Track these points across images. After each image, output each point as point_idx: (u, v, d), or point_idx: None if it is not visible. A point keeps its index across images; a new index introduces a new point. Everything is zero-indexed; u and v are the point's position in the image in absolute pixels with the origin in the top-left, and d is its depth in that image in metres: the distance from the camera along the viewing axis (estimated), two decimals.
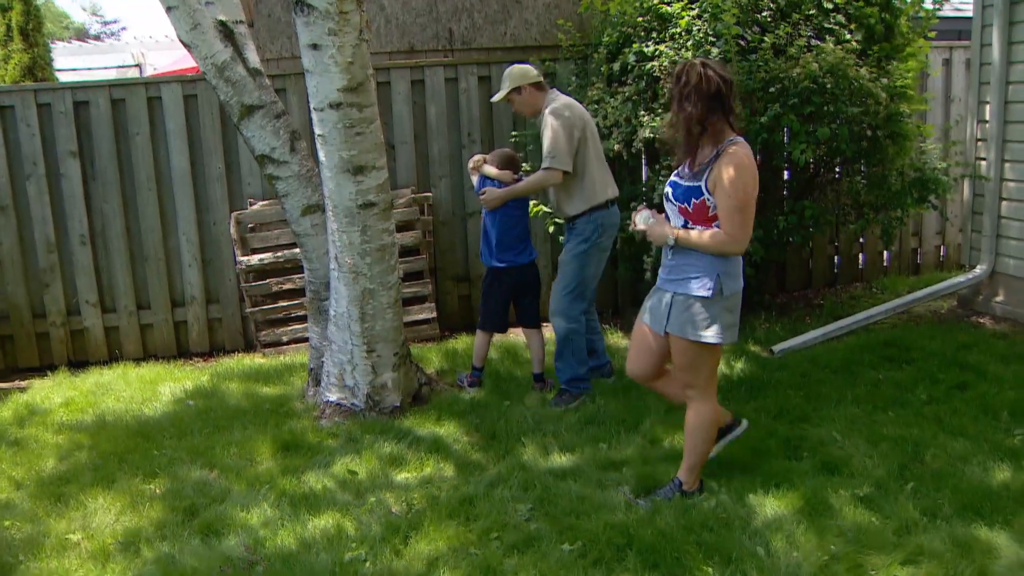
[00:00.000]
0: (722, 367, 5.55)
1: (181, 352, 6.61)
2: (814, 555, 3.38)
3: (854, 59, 5.60)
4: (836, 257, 7.64)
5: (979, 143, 6.31)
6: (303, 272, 6.33)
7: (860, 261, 7.73)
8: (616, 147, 5.91)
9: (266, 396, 5.35)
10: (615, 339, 6.29)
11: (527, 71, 5.04)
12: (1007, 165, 6.10)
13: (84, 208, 6.33)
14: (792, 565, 3.32)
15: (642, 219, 3.85)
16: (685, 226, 3.68)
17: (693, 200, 3.63)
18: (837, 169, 6.39)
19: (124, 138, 6.30)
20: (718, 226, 3.59)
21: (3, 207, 6.29)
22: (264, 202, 6.45)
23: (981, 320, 6.25)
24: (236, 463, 4.42)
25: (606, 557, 3.44)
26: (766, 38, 5.61)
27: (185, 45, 4.69)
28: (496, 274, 5.26)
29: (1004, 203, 6.15)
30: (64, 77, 11.76)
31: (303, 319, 6.42)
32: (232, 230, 6.35)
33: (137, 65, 12.31)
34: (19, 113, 6.20)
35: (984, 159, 6.23)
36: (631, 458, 4.31)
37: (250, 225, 6.42)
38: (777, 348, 5.80)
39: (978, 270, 6.29)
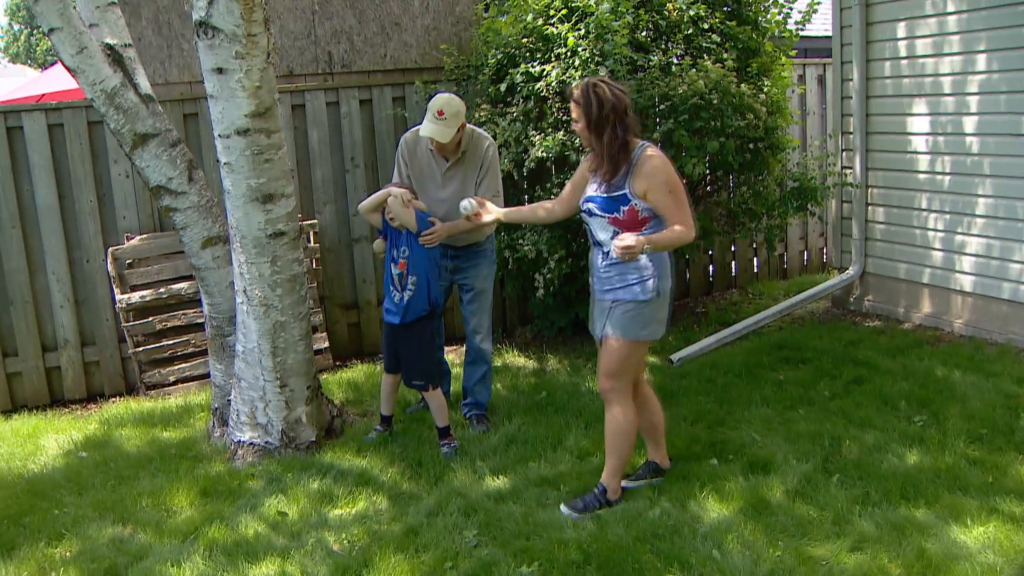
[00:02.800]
0: None
1: (55, 400, 6.11)
2: (766, 552, 3.49)
3: (734, 76, 5.87)
4: (711, 266, 7.95)
5: (844, 153, 6.73)
6: (189, 309, 6.08)
7: (733, 268, 8.08)
8: (507, 167, 5.94)
9: (168, 441, 5.02)
10: (510, 357, 6.29)
11: (464, 107, 4.67)
12: (871, 173, 6.54)
13: None
14: (749, 564, 3.41)
15: (466, 205, 4.31)
16: (616, 235, 3.77)
17: (622, 208, 3.79)
18: (710, 182, 6.66)
19: None
20: (651, 229, 3.77)
21: None
22: (142, 236, 6.08)
23: (856, 318, 6.65)
24: (152, 515, 4.11)
25: None
26: (652, 57, 5.80)
27: (70, 70, 4.37)
28: (433, 318, 4.78)
29: (870, 208, 6.59)
30: None
31: (190, 357, 6.10)
32: (109, 267, 5.95)
33: None
34: None
35: (850, 168, 6.66)
36: (565, 474, 4.31)
37: (128, 261, 6.04)
38: (676, 357, 5.95)
39: (851, 271, 6.70)
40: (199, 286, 4.94)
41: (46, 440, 5.21)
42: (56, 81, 10.28)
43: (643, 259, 3.80)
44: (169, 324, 6.06)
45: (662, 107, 5.67)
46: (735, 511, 3.84)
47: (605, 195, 3.81)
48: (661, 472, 4.22)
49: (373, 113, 6.54)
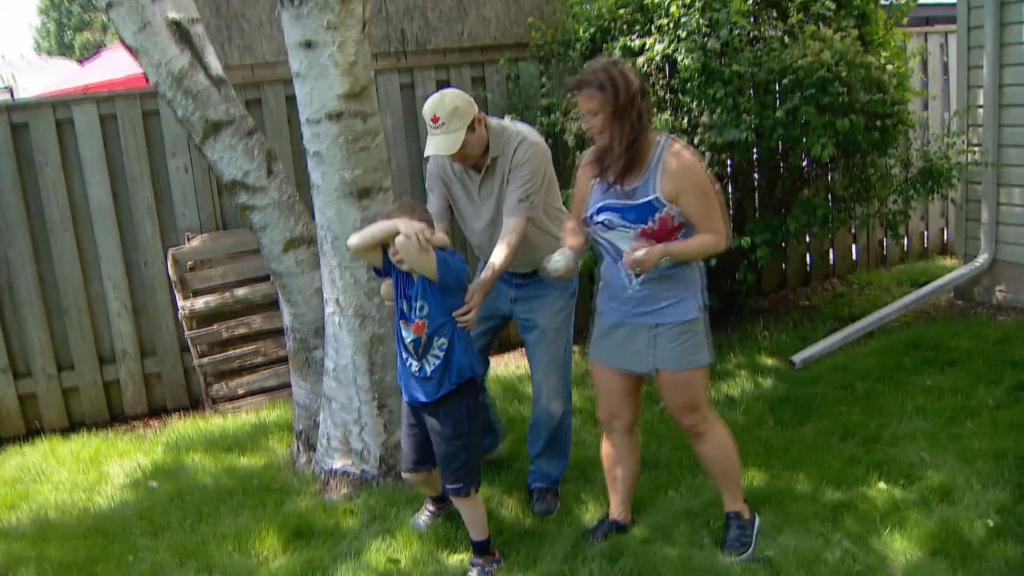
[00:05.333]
0: (751, 387, 5.06)
1: (115, 416, 5.58)
2: None
3: (859, 46, 5.24)
4: (808, 254, 7.32)
5: (971, 129, 6.06)
6: (256, 315, 5.54)
7: (831, 257, 7.44)
8: None
9: (247, 469, 4.45)
10: None
11: (467, 97, 3.45)
12: (1003, 150, 5.87)
13: None
14: None
15: (565, 259, 3.19)
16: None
17: (656, 215, 3.14)
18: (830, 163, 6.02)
19: (29, 170, 5.26)
20: (685, 235, 3.18)
21: None
22: (204, 235, 5.55)
23: (987, 312, 5.99)
24: (240, 563, 3.55)
25: None
26: (772, 28, 5.18)
27: (131, 50, 3.81)
28: (476, 388, 3.48)
29: (1003, 189, 5.92)
30: None
31: (258, 368, 5.57)
32: (169, 270, 5.41)
33: (7, 88, 10.91)
34: None
35: (978, 145, 5.99)
36: (712, 505, 3.69)
37: (189, 264, 5.50)
38: (797, 358, 5.35)
39: (979, 260, 6.04)
40: (280, 293, 4.37)
41: (110, 466, 4.68)
42: (97, 73, 9.82)
43: (685, 268, 3.21)
44: (236, 332, 5.52)
45: (786, 81, 5.04)
46: (929, 552, 3.25)
47: (632, 202, 3.15)
48: (624, 530, 3.59)
49: None
